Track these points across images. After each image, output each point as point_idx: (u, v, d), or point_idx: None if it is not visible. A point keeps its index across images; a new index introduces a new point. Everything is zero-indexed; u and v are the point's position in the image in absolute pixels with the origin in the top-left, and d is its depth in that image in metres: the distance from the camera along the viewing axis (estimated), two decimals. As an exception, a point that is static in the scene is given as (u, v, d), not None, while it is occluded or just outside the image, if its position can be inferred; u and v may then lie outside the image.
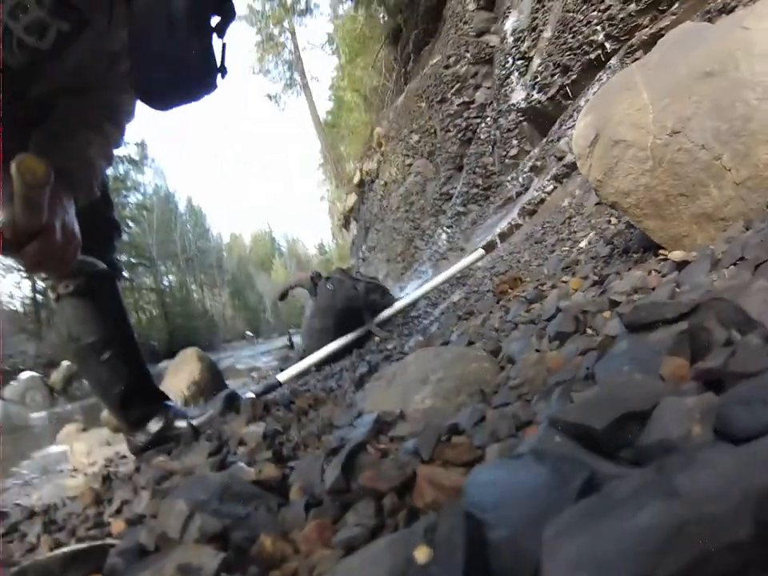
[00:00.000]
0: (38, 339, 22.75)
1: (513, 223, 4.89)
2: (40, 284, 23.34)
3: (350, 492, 0.66)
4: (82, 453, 2.58)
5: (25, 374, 13.03)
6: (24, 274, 24.98)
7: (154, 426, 1.78)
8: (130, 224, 34.15)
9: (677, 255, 1.36)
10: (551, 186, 4.79)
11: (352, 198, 12.59)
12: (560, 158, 4.84)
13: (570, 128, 4.56)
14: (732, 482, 0.28)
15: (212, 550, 0.50)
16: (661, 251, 1.52)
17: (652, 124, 1.43)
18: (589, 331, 1.06)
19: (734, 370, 0.53)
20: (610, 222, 2.85)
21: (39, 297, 26.27)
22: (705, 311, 0.67)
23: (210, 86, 1.34)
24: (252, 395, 1.77)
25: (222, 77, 1.33)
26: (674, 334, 0.67)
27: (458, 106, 7.21)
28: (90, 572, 0.48)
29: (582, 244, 2.78)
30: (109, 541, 0.82)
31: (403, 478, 0.61)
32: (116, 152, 1.64)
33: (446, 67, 7.34)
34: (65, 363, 13.04)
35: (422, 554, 0.38)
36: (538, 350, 1.09)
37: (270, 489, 0.74)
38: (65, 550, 0.59)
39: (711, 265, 1.11)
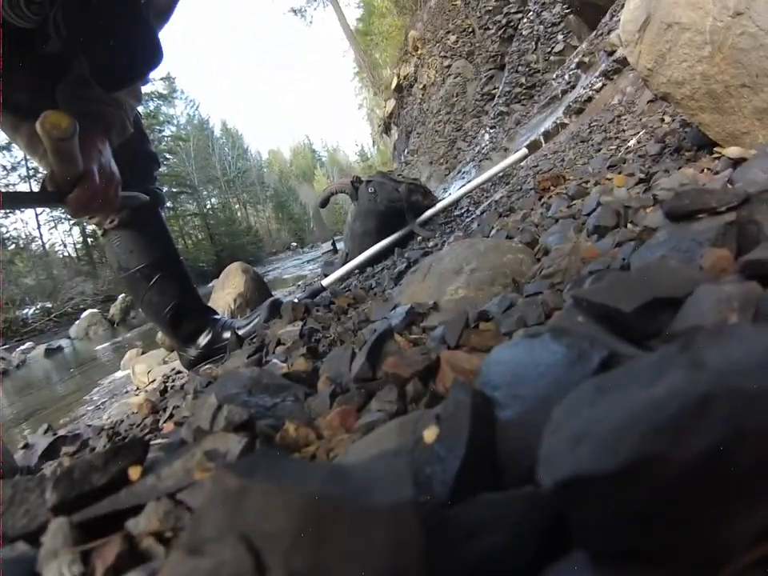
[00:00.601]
0: (94, 278, 24.40)
1: (558, 122, 4.63)
2: (89, 228, 24.54)
3: (375, 380, 0.67)
4: (143, 373, 2.78)
5: (86, 313, 14.28)
6: (72, 222, 26.25)
7: (203, 339, 1.92)
8: (168, 156, 34.79)
9: (733, 152, 1.25)
10: (600, 83, 4.47)
11: (391, 104, 12.30)
12: (610, 53, 4.48)
13: (622, 18, 4.18)
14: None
15: (237, 437, 0.52)
16: (716, 149, 1.40)
17: (711, 4, 1.26)
18: (629, 226, 1.01)
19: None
20: (662, 120, 2.66)
21: (90, 240, 27.99)
22: (757, 203, 0.62)
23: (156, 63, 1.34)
24: (295, 301, 1.80)
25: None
26: (719, 225, 0.62)
27: (496, 1, 6.70)
28: (131, 464, 0.51)
29: (631, 143, 2.62)
30: (149, 437, 0.87)
31: (427, 363, 0.61)
32: (143, 89, 1.71)
33: (483, -43, 6.77)
34: (120, 297, 14.04)
35: (430, 434, 0.38)
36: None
37: (299, 380, 0.76)
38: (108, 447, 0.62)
39: (772, 163, 1.01)
